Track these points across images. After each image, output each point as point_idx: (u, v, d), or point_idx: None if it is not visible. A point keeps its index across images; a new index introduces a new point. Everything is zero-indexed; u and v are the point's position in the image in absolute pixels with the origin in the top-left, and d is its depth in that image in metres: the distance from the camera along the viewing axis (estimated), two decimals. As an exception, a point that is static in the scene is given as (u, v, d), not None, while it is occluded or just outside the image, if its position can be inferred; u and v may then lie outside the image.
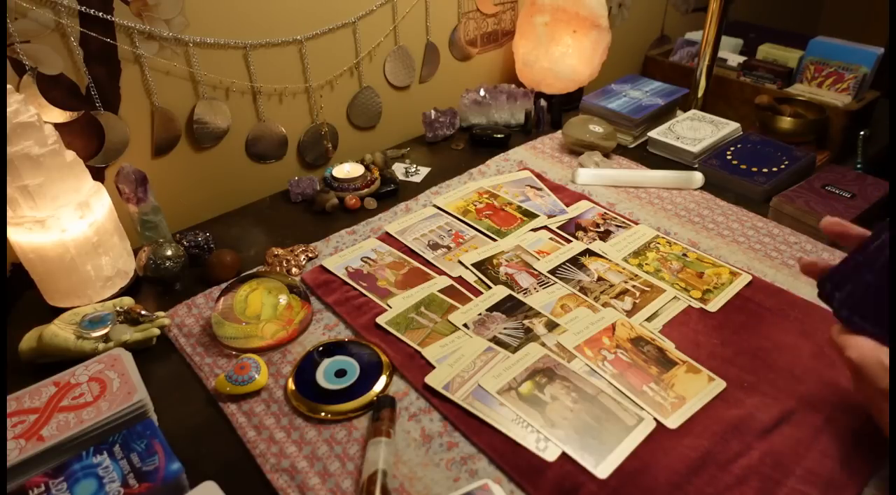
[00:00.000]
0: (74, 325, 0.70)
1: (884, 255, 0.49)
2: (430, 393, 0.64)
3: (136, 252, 0.82)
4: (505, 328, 0.71)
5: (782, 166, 0.99)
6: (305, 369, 0.67)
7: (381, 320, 0.73)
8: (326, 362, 0.68)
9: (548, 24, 1.20)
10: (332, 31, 1.03)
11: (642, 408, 0.61)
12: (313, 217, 0.96)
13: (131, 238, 0.84)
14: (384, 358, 0.68)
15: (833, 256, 0.81)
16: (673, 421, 0.60)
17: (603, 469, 0.56)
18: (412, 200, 0.98)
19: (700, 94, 1.27)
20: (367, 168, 1.02)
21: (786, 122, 1.22)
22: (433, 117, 1.16)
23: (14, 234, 0.72)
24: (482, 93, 1.20)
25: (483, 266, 0.82)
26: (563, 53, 1.21)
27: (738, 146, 1.05)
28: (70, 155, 0.74)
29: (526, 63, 1.25)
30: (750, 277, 0.78)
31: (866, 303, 0.51)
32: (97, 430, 0.57)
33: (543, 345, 0.69)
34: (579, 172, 1.02)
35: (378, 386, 0.65)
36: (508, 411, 0.61)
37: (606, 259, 0.83)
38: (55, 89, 0.81)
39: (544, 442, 0.58)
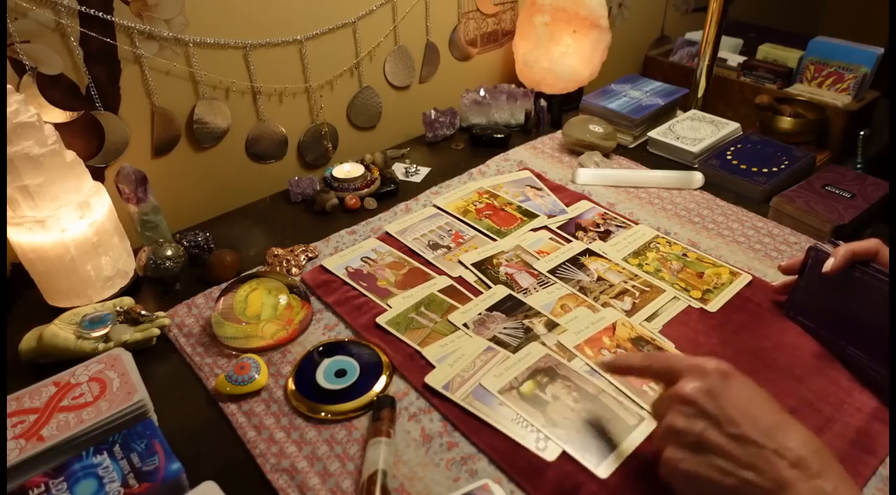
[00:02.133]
0: (74, 325, 0.70)
1: (808, 268, 0.69)
2: (430, 393, 0.64)
3: (136, 252, 0.82)
4: (505, 327, 0.71)
5: (782, 166, 0.99)
6: (305, 369, 0.67)
7: (381, 320, 0.73)
8: (326, 362, 0.67)
9: (548, 24, 1.20)
10: (332, 31, 1.03)
11: (643, 408, 0.61)
12: (313, 217, 0.96)
13: (131, 238, 0.84)
14: (384, 358, 0.68)
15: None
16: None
17: (604, 468, 0.56)
18: (412, 200, 0.98)
19: (700, 94, 1.27)
20: (367, 168, 1.02)
21: (786, 122, 1.22)
22: (433, 117, 1.16)
23: (14, 234, 0.72)
24: (482, 93, 1.20)
25: (483, 266, 0.82)
26: (563, 53, 1.21)
27: (738, 146, 1.05)
28: (70, 155, 0.74)
29: (526, 63, 1.25)
30: (750, 277, 0.78)
31: (805, 306, 0.70)
32: (97, 430, 0.57)
33: (544, 344, 0.69)
34: (579, 172, 1.02)
35: (378, 386, 0.65)
36: (508, 410, 0.61)
37: (606, 259, 0.83)
38: (55, 89, 0.81)
39: (544, 441, 0.58)
